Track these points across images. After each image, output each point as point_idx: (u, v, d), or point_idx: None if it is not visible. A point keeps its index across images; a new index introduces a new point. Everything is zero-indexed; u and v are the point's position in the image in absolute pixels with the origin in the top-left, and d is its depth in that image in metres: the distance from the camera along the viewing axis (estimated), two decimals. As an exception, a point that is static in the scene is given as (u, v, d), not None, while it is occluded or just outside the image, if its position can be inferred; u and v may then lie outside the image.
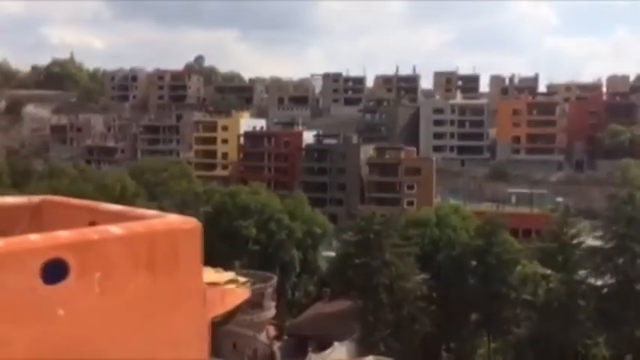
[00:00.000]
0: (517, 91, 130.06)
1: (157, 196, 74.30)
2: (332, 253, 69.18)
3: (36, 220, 5.91)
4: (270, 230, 65.14)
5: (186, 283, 4.12)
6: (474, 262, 57.29)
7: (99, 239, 3.33)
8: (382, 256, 54.15)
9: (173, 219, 4.48)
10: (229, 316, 4.92)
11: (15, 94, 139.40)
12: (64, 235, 3.71)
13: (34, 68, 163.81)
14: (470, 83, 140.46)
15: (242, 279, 5.64)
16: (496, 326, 56.27)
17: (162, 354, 3.47)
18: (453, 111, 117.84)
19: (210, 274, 5.29)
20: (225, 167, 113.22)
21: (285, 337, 54.17)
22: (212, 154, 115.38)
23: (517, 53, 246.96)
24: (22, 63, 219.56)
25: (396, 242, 56.29)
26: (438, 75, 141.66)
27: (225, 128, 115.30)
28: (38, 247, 3.52)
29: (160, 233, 3.61)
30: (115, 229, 3.71)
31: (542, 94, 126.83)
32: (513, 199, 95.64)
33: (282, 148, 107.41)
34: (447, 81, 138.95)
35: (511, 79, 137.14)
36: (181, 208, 57.81)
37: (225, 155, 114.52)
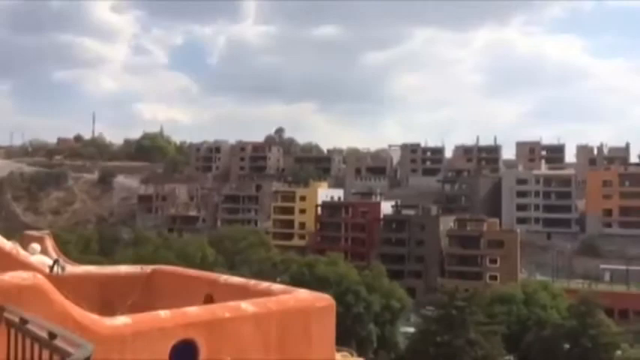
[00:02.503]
0: (606, 161, 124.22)
1: (235, 264, 74.84)
2: (410, 329, 66.29)
3: (147, 291, 5.53)
4: (347, 302, 63.45)
5: None
6: (567, 345, 52.99)
7: (231, 318, 3.07)
8: (466, 335, 51.15)
9: (305, 295, 3.89)
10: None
11: (107, 166, 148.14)
12: (194, 312, 3.17)
13: (127, 141, 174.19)
14: (554, 153, 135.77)
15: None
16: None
17: None
18: (537, 182, 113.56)
19: (340, 357, 4.83)
20: (302, 237, 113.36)
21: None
22: (290, 223, 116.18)
23: (601, 123, 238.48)
24: (115, 137, 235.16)
25: (480, 319, 53.26)
26: (520, 145, 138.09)
27: (303, 198, 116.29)
28: (168, 326, 3.01)
29: (293, 311, 3.37)
30: (247, 306, 3.20)
31: (635, 164, 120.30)
32: (607, 276, 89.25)
33: (359, 219, 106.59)
34: (531, 151, 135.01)
35: (600, 148, 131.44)
36: (259, 278, 57.59)
37: (302, 225, 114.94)
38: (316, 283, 64.95)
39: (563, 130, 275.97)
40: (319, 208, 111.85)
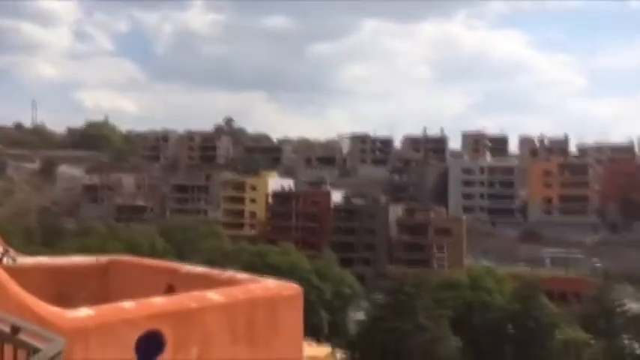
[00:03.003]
0: (547, 152, 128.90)
1: (185, 254, 73.98)
2: (361, 315, 67.32)
3: (104, 282, 5.35)
4: (298, 291, 63.90)
5: (286, 357, 3.27)
6: (510, 327, 55.08)
7: (198, 308, 2.93)
8: (415, 319, 52.40)
9: (272, 285, 3.83)
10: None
11: (49, 155, 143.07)
12: (159, 303, 3.08)
13: (70, 130, 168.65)
14: (498, 144, 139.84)
15: (339, 353, 4.99)
16: (536, 396, 53.40)
17: None
18: (482, 172, 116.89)
19: (309, 348, 4.61)
20: (253, 226, 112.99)
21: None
22: (240, 213, 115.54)
23: (542, 114, 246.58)
24: (57, 125, 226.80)
25: (428, 305, 54.61)
26: (466, 136, 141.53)
27: (253, 188, 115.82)
28: (133, 318, 2.89)
29: (260, 300, 3.23)
30: (214, 296, 3.09)
31: (574, 156, 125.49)
32: (548, 261, 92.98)
33: (310, 208, 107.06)
34: (476, 142, 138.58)
35: (541, 140, 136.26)
36: (210, 267, 57.21)
37: (253, 214, 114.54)
38: (268, 272, 64.82)
39: (507, 121, 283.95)
40: (270, 198, 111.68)
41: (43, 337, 2.48)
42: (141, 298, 4.52)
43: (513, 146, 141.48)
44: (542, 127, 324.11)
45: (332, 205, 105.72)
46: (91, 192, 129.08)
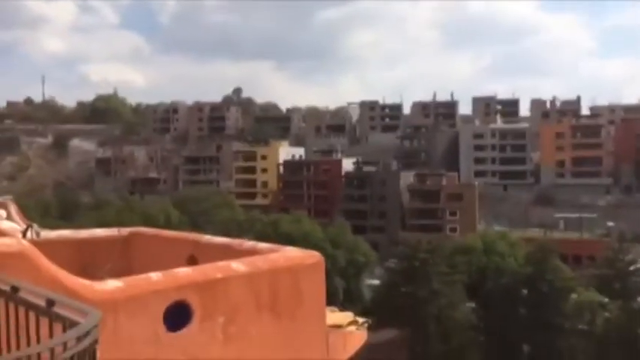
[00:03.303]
0: (559, 114, 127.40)
1: (199, 225, 74.62)
2: (375, 282, 67.90)
3: (126, 253, 5.49)
4: (312, 259, 64.37)
5: (310, 325, 3.43)
6: (524, 291, 55.35)
7: (223, 278, 2.96)
8: (429, 285, 52.81)
9: (294, 253, 3.87)
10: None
11: (61, 129, 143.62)
12: (186, 273, 3.13)
13: (80, 104, 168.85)
14: (509, 108, 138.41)
15: (360, 319, 4.99)
16: (549, 358, 53.87)
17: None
18: (493, 136, 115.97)
19: (331, 315, 4.62)
20: (265, 196, 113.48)
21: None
22: (252, 183, 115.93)
23: (554, 77, 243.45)
24: (66, 99, 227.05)
25: (442, 270, 54.90)
26: (476, 100, 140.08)
27: (264, 157, 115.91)
28: (161, 289, 2.96)
29: (283, 270, 3.22)
30: (238, 266, 3.09)
31: (586, 116, 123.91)
32: (561, 224, 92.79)
33: (321, 176, 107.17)
34: (486, 106, 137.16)
35: (552, 102, 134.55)
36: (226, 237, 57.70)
37: (264, 184, 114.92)
38: (282, 241, 65.54)
39: (517, 84, 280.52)
40: (281, 167, 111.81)
41: (78, 310, 2.49)
42: (165, 269, 4.82)
43: (525, 110, 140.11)
44: (553, 89, 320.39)
45: (343, 173, 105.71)
46: (104, 165, 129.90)
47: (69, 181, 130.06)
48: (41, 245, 4.08)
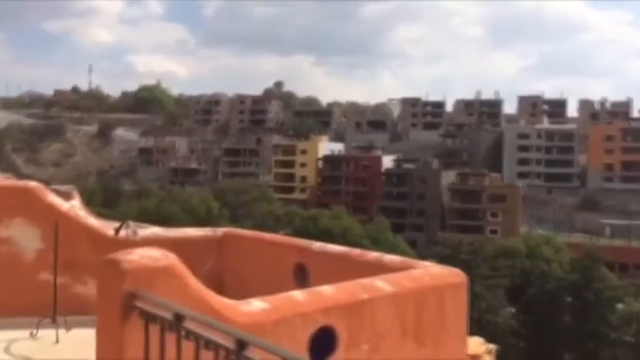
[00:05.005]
0: (609, 116, 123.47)
1: (238, 217, 74.92)
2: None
3: (220, 256, 5.11)
4: (351, 256, 63.90)
5: (452, 353, 3.05)
6: (569, 298, 53.70)
7: (369, 299, 2.59)
8: (471, 288, 51.62)
9: (437, 270, 3.48)
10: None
11: (106, 118, 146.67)
12: (331, 293, 2.73)
13: (124, 93, 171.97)
14: (556, 108, 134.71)
15: (491, 347, 4.65)
16: (593, 368, 52.27)
17: None
18: (539, 136, 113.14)
19: (470, 342, 4.38)
20: (303, 190, 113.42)
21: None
22: (291, 177, 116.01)
23: (602, 77, 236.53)
24: (111, 88, 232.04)
25: (484, 273, 53.67)
26: (522, 99, 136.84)
27: (304, 152, 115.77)
28: (308, 311, 2.56)
29: (429, 290, 2.90)
30: (384, 285, 2.71)
31: (638, 119, 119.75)
32: (607, 230, 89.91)
33: (360, 172, 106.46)
34: (532, 105, 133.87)
35: (602, 103, 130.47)
36: (262, 230, 57.73)
37: (303, 179, 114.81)
38: (320, 237, 65.32)
39: (564, 84, 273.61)
40: (320, 162, 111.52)
41: (276, 353, 2.11)
42: (271, 275, 4.39)
43: (572, 110, 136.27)
44: (601, 89, 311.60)
45: (382, 170, 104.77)
46: (146, 155, 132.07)
47: (112, 169, 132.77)
48: (137, 245, 3.75)
